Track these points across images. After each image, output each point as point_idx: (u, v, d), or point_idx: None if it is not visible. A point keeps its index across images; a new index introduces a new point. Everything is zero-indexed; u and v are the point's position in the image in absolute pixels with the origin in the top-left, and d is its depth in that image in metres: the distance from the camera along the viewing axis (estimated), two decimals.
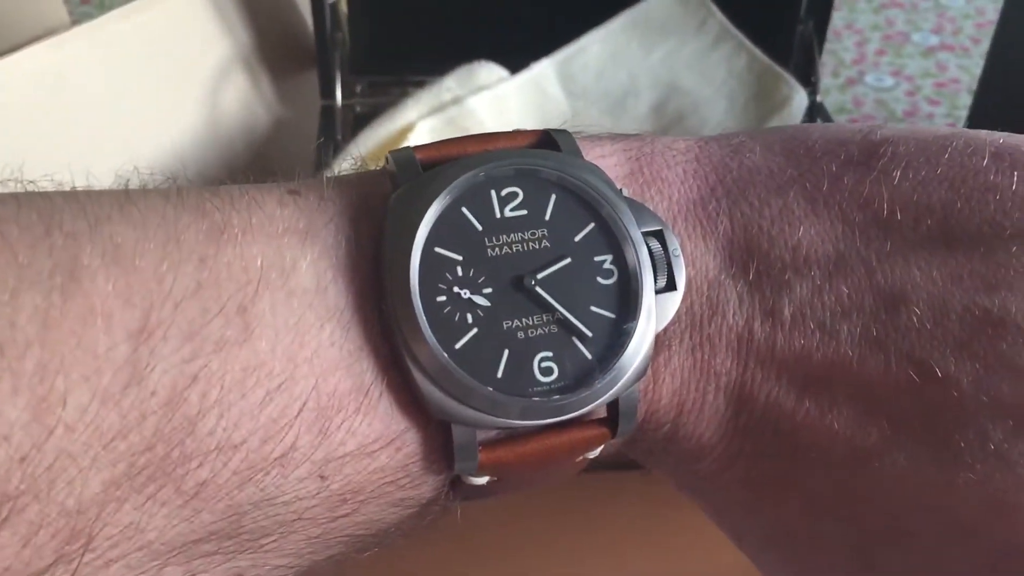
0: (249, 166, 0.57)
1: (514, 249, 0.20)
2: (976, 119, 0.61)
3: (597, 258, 0.20)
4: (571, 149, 0.21)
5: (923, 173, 0.21)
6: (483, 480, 0.20)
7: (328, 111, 0.56)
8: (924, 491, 0.19)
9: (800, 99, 0.54)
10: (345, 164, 0.50)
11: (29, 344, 0.16)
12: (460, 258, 0.20)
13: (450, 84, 0.54)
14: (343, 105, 0.56)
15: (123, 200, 0.19)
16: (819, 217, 0.21)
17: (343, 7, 0.55)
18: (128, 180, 0.20)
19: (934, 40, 0.81)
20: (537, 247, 0.20)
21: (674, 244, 0.21)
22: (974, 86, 0.75)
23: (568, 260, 0.20)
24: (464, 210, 0.20)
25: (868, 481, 0.20)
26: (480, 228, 0.20)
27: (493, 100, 0.53)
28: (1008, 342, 0.19)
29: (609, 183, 0.21)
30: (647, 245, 0.20)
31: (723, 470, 0.21)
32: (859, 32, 0.82)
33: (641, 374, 0.20)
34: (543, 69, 0.55)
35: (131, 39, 0.50)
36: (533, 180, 0.21)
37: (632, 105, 0.56)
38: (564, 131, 0.22)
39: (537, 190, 0.20)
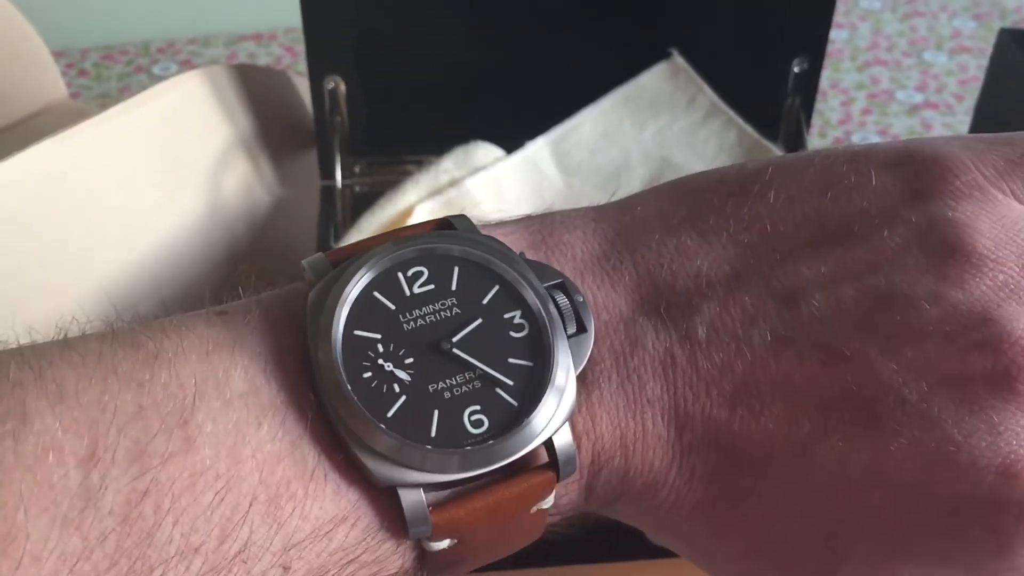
0: (251, 248, 0.57)
1: (428, 320, 0.22)
2: None
3: (507, 315, 0.22)
4: (468, 228, 0.23)
5: (793, 189, 0.23)
6: (443, 544, 0.21)
7: (328, 191, 0.57)
8: (866, 466, 0.20)
9: None
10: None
11: None
12: (379, 336, 0.21)
13: (448, 165, 0.55)
14: (343, 185, 0.57)
15: (63, 347, 0.20)
16: (712, 245, 0.23)
17: (342, 90, 0.57)
18: (68, 330, 0.21)
19: (918, 98, 0.83)
20: (449, 315, 0.22)
21: (577, 292, 0.22)
22: None
23: (480, 320, 0.22)
24: (376, 294, 0.22)
25: (814, 470, 0.21)
26: (393, 307, 0.22)
27: (490, 181, 0.54)
28: (900, 311, 0.21)
29: (507, 250, 0.23)
30: (553, 298, 0.22)
31: (682, 497, 0.22)
32: (845, 92, 0.83)
33: (568, 413, 0.21)
34: (538, 148, 0.56)
35: (134, 132, 0.52)
36: (436, 258, 0.22)
37: (626, 180, 0.57)
38: (462, 215, 0.24)
39: (441, 266, 0.22)
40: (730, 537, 0.23)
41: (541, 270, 0.22)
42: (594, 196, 0.57)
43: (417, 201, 0.53)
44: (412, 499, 0.20)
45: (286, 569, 0.20)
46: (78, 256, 0.49)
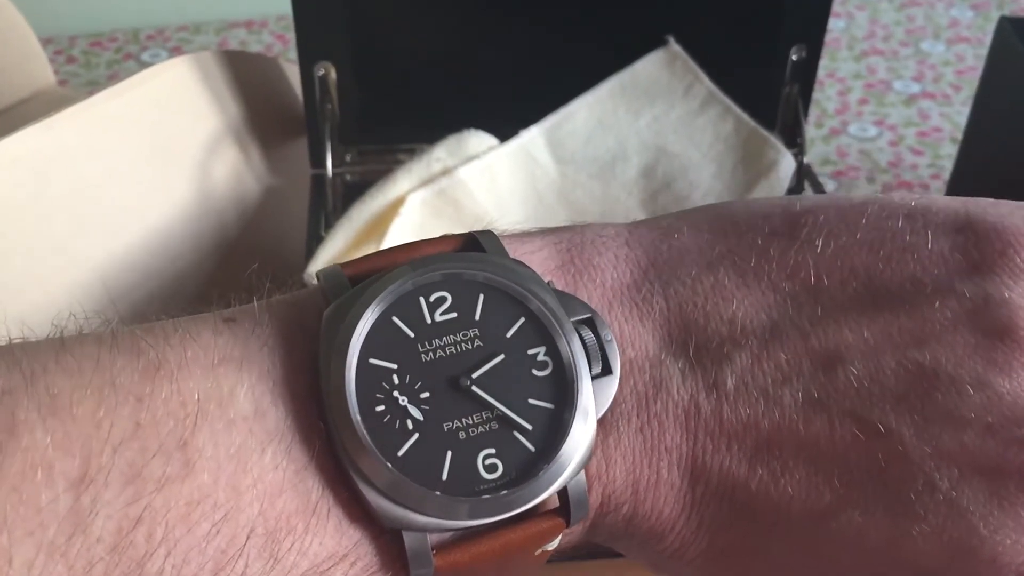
0: (240, 237, 0.57)
1: (448, 352, 0.21)
2: (961, 169, 0.62)
3: (531, 351, 0.21)
4: (496, 249, 0.22)
5: (844, 239, 0.22)
6: None
7: (319, 180, 0.56)
8: (883, 545, 0.20)
9: (787, 163, 0.55)
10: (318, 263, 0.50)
11: None
12: (395, 366, 0.20)
13: (440, 154, 0.54)
14: (334, 174, 0.56)
15: (58, 349, 0.19)
16: (750, 289, 0.22)
17: (332, 76, 0.56)
18: (64, 328, 0.20)
19: (916, 88, 0.82)
20: (470, 347, 0.21)
21: (606, 330, 0.21)
22: (956, 134, 0.76)
23: (502, 356, 0.21)
24: (395, 319, 0.21)
25: (828, 541, 0.20)
26: (412, 335, 0.21)
27: (483, 170, 0.54)
28: (943, 392, 0.20)
29: (536, 278, 0.21)
30: (579, 334, 0.21)
31: (687, 546, 0.22)
32: (841, 81, 0.83)
33: (585, 460, 0.20)
34: (532, 137, 0.56)
35: (121, 117, 0.51)
36: (460, 283, 0.21)
37: (621, 170, 0.56)
38: (489, 232, 0.22)
39: (465, 292, 0.21)
40: None
41: (570, 303, 0.21)
42: (589, 185, 0.56)
43: (409, 190, 0.52)
44: (416, 541, 0.19)
45: None
46: (65, 244, 0.48)
